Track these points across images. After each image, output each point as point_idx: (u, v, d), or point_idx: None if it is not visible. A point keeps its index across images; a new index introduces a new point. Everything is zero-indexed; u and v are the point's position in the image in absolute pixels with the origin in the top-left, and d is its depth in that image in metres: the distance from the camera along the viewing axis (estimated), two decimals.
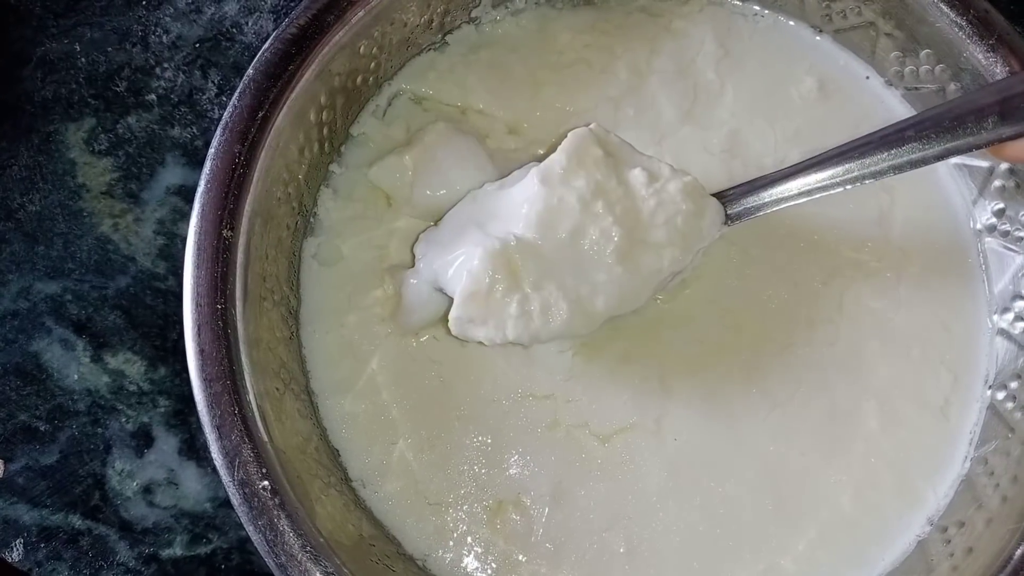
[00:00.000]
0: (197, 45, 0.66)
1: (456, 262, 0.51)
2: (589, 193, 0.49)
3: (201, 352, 0.48)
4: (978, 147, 0.45)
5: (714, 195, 0.52)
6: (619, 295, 0.50)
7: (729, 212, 0.53)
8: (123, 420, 0.60)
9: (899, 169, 0.47)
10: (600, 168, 0.50)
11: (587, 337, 0.53)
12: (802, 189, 0.50)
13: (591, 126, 0.52)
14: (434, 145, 0.56)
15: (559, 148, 0.51)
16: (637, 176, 0.50)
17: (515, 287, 0.49)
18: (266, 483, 0.47)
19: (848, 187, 0.49)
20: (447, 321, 0.51)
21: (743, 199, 0.52)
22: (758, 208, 0.52)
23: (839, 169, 0.49)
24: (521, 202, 0.50)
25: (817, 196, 0.50)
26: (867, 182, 0.48)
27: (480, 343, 0.50)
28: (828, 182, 0.49)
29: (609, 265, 0.49)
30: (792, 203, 0.51)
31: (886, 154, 0.47)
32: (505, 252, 0.48)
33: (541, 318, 0.49)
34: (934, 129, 0.46)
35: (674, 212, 0.50)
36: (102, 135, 0.65)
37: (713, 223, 0.52)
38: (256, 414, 0.48)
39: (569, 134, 0.51)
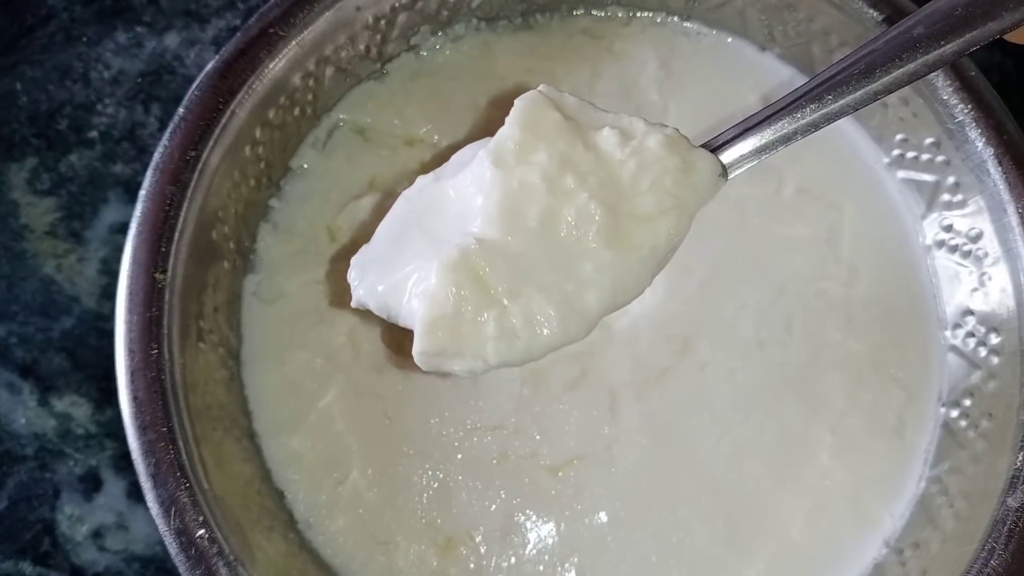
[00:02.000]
0: (139, 80, 0.66)
1: (406, 286, 0.43)
2: (554, 167, 0.41)
3: (135, 399, 0.47)
4: (999, 35, 0.40)
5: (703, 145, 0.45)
6: (613, 285, 0.42)
7: (724, 162, 0.44)
8: (71, 464, 0.59)
9: (916, 76, 0.41)
10: (562, 135, 0.41)
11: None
12: (811, 119, 0.42)
13: (539, 87, 0.43)
14: None
15: (509, 119, 0.42)
16: (607, 137, 0.42)
17: (487, 301, 0.40)
18: (203, 532, 0.46)
19: (862, 107, 0.42)
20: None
21: (735, 144, 0.44)
22: (760, 150, 0.43)
23: (853, 84, 0.41)
24: (473, 193, 0.42)
25: (827, 125, 0.43)
26: (880, 98, 0.42)
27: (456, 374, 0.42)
28: (843, 104, 0.42)
29: (595, 251, 0.41)
30: (796, 141, 0.43)
31: (899, 61, 0.40)
32: (466, 260, 0.40)
33: (526, 331, 0.41)
34: (945, 24, 0.39)
35: (660, 172, 0.42)
36: (44, 174, 0.64)
37: (708, 177, 0.43)
38: (194, 461, 0.47)
39: (516, 101, 0.42)
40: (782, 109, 0.43)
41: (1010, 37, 0.41)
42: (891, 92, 0.41)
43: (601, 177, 0.41)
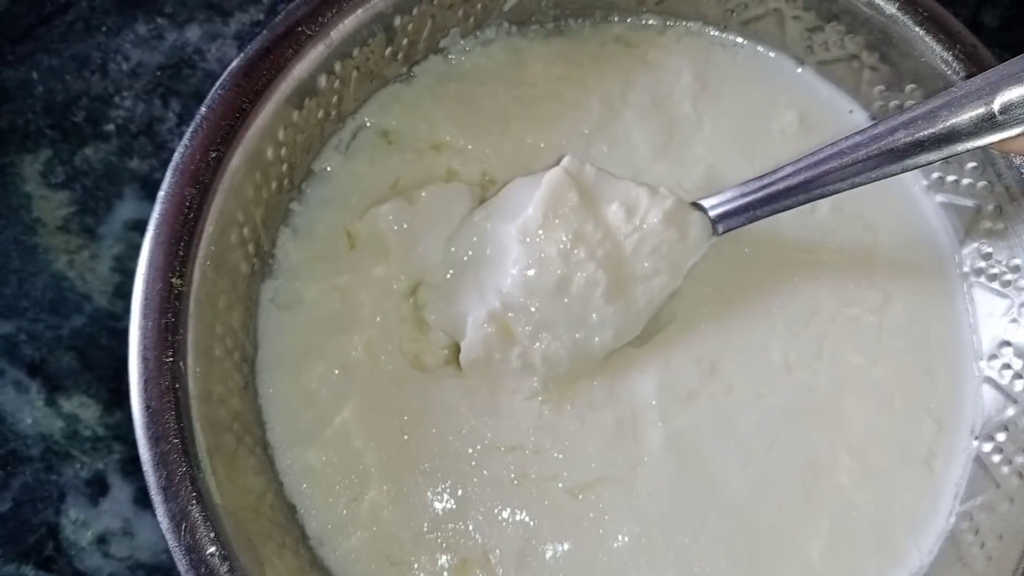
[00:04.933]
0: (158, 73, 0.64)
1: (463, 320, 0.52)
2: (569, 243, 0.50)
3: (147, 409, 0.46)
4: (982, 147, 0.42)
5: (700, 204, 0.51)
6: (614, 331, 0.51)
7: (716, 225, 0.51)
8: (77, 467, 0.58)
9: (893, 174, 0.45)
10: (577, 214, 0.50)
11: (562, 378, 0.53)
12: (797, 199, 0.48)
13: (564, 161, 0.51)
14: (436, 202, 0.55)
15: (535, 199, 0.50)
16: (615, 214, 0.50)
17: (511, 344, 0.51)
18: (214, 549, 0.44)
19: (842, 191, 0.47)
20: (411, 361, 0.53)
21: (728, 204, 0.51)
22: (747, 217, 0.50)
23: (834, 165, 0.46)
24: (509, 254, 0.51)
25: (811, 201, 0.48)
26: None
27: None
28: (824, 192, 0.47)
29: (600, 306, 0.50)
30: (781, 211, 0.49)
31: (881, 165, 0.45)
32: (494, 316, 0.50)
33: (544, 366, 0.51)
34: (929, 132, 0.42)
35: (658, 243, 0.50)
36: (59, 167, 0.62)
37: (700, 240, 0.51)
38: (206, 474, 0.46)
39: (544, 179, 0.50)
40: (775, 184, 0.49)
41: (999, 147, 0.42)
42: (869, 183, 0.46)
43: (607, 249, 0.50)
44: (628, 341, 0.52)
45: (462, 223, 0.54)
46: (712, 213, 0.51)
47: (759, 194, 0.49)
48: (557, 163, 0.52)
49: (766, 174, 0.49)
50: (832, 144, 0.46)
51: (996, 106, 0.40)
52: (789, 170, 0.48)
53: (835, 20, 0.54)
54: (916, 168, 0.44)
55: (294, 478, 0.51)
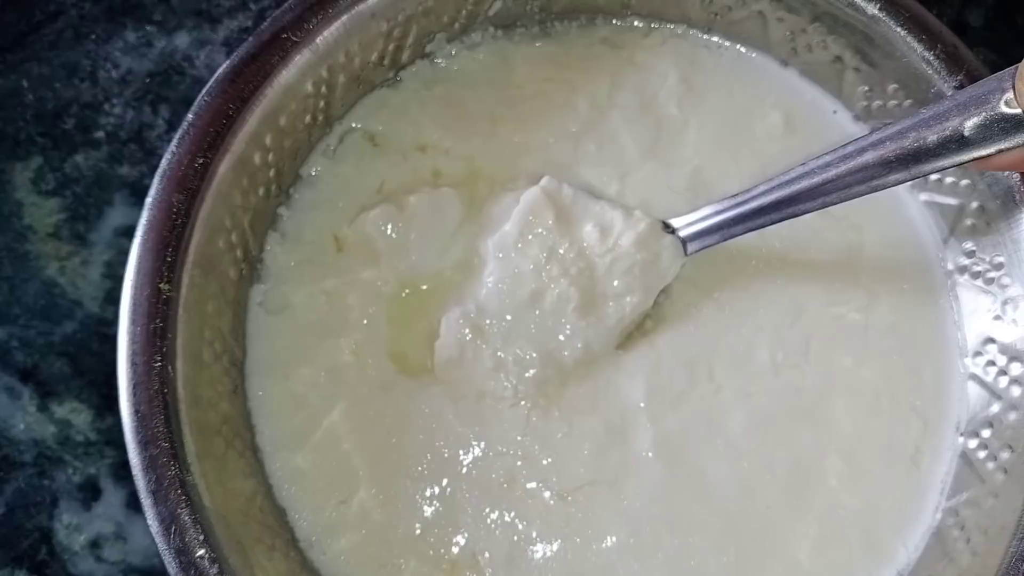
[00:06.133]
0: (147, 80, 0.64)
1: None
2: (544, 259, 0.52)
3: (137, 413, 0.46)
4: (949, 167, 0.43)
5: (672, 223, 0.53)
6: (585, 345, 0.53)
7: (688, 244, 0.53)
8: (70, 472, 0.58)
9: (862, 194, 0.46)
10: (552, 233, 0.52)
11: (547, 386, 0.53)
12: (770, 218, 0.49)
13: (542, 182, 0.53)
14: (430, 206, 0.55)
15: (512, 216, 0.53)
16: (590, 234, 0.53)
17: (484, 345, 0.52)
18: (203, 551, 0.44)
19: (813, 211, 0.48)
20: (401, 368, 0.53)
21: (701, 224, 0.52)
22: (719, 236, 0.52)
23: (804, 186, 0.47)
24: (483, 269, 0.53)
25: (782, 221, 0.50)
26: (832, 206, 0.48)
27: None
28: (794, 212, 0.49)
29: (572, 320, 0.52)
30: (754, 230, 0.51)
31: (851, 185, 0.46)
32: (467, 319, 0.52)
33: (515, 369, 0.52)
34: (897, 152, 0.43)
35: (630, 264, 0.52)
36: (49, 174, 0.63)
37: (672, 263, 0.53)
38: (196, 477, 0.46)
39: (522, 198, 0.53)
40: (746, 203, 0.50)
41: (974, 167, 0.43)
42: (841, 202, 0.47)
43: (581, 268, 0.52)
44: (599, 356, 0.53)
45: (452, 237, 0.55)
46: (685, 232, 0.53)
47: (731, 213, 0.50)
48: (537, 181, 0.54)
49: (738, 194, 0.50)
50: (802, 164, 0.47)
51: (966, 126, 0.41)
52: (761, 189, 0.49)
53: (818, 22, 0.55)
54: (887, 188, 0.45)
55: (283, 482, 0.52)
